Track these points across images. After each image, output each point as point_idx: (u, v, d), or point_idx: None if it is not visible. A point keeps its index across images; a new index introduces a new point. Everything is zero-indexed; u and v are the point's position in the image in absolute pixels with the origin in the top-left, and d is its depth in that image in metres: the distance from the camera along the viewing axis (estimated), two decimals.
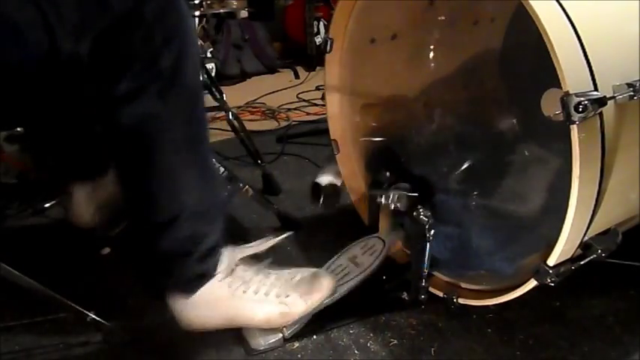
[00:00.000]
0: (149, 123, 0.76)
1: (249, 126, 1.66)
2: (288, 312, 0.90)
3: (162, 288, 0.87)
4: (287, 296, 0.90)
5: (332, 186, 1.15)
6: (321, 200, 1.15)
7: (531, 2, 0.70)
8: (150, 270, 0.89)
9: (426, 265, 0.94)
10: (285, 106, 2.22)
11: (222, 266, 0.88)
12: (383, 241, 1.01)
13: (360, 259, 0.99)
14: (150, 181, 0.80)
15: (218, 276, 0.87)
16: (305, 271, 0.95)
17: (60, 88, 1.10)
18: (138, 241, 0.86)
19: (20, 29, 0.65)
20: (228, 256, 0.90)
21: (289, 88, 2.52)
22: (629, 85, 0.73)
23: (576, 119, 0.68)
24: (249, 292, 0.89)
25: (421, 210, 0.94)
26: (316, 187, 1.16)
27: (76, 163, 1.18)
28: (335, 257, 1.01)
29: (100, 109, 0.78)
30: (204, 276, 0.87)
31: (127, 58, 0.72)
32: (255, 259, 0.94)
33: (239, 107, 2.18)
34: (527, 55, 1.10)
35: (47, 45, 0.66)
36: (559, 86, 0.69)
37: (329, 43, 1.06)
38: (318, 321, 0.94)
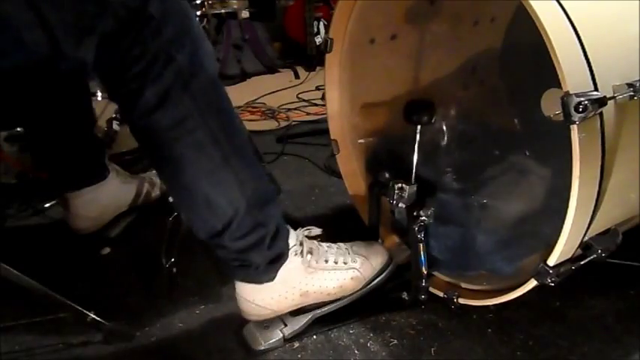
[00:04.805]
0: (185, 124, 0.76)
1: (250, 126, 1.66)
2: (359, 276, 0.95)
3: (240, 280, 0.89)
4: (354, 261, 0.95)
5: None
6: None
7: (531, 2, 0.70)
8: (227, 266, 0.90)
9: (425, 265, 0.94)
10: (285, 106, 2.22)
11: (292, 241, 0.91)
12: (390, 256, 1.01)
13: None
14: (201, 183, 0.80)
15: (292, 250, 0.90)
16: (358, 242, 1.01)
17: (65, 93, 1.10)
18: (204, 246, 0.87)
19: (20, 31, 0.64)
20: (296, 232, 0.93)
21: (289, 88, 2.52)
22: (629, 85, 0.73)
23: (576, 119, 0.67)
24: (321, 262, 0.92)
25: (421, 210, 0.95)
26: None
27: (74, 168, 1.18)
28: None
29: (133, 123, 0.78)
30: (281, 256, 0.89)
31: (143, 60, 0.71)
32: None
33: (239, 107, 2.18)
34: (527, 55, 1.10)
35: (48, 48, 0.66)
36: (559, 86, 0.69)
37: (329, 43, 1.06)
38: (319, 321, 0.94)
